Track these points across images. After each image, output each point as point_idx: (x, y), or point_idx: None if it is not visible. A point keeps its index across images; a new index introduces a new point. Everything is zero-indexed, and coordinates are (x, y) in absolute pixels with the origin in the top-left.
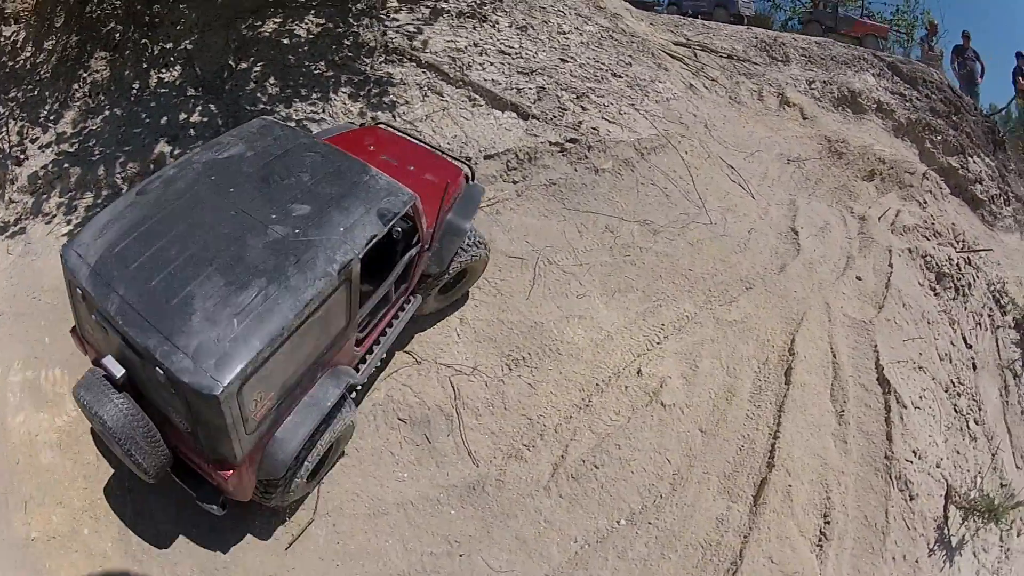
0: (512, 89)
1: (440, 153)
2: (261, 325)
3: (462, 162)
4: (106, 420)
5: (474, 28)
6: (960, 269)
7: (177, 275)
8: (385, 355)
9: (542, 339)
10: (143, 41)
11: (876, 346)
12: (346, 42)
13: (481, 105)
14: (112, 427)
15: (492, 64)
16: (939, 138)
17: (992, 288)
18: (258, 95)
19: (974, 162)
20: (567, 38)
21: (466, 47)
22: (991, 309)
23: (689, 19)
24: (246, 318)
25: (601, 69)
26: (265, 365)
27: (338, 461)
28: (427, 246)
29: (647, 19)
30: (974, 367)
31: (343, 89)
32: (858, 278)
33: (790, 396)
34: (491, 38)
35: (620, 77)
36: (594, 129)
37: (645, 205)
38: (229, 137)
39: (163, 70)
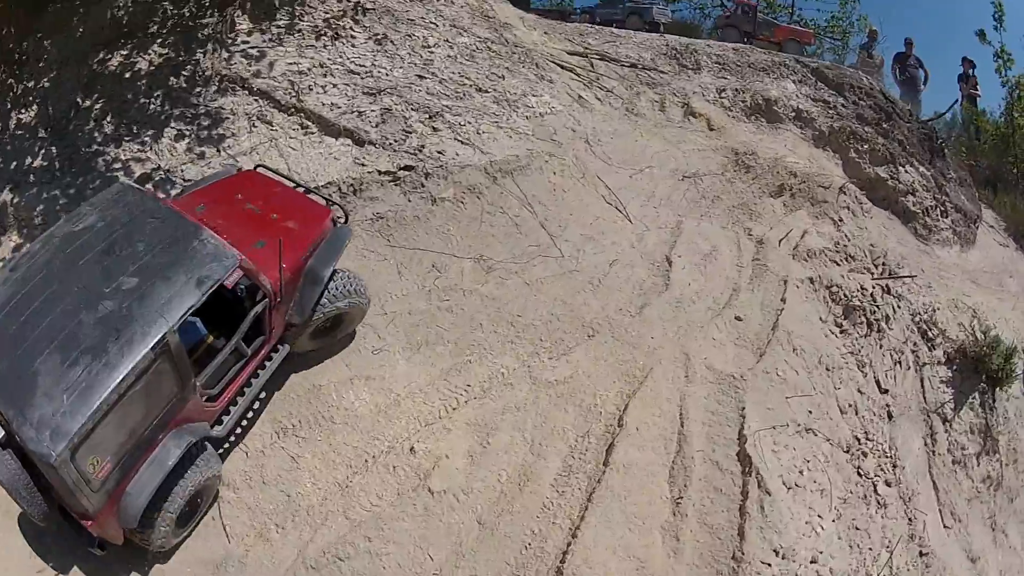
0: (352, 113)
1: (313, 194)
2: (85, 401)
3: (335, 204)
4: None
5: (324, 47)
6: (876, 300)
7: (29, 352)
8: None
9: (318, 404)
10: (9, 80)
11: (744, 409)
12: (184, 73)
13: (313, 133)
14: (3, 479)
15: (335, 86)
16: (865, 147)
17: (918, 319)
18: (95, 135)
19: (906, 172)
20: (432, 52)
21: (310, 69)
22: (915, 344)
23: (598, 27)
24: (73, 393)
25: (465, 84)
26: (93, 435)
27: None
28: (278, 299)
29: (544, 28)
30: (889, 416)
31: (173, 125)
32: (738, 318)
33: (607, 480)
34: (341, 56)
35: (486, 92)
36: (439, 152)
37: (486, 238)
38: (86, 207)
39: (22, 110)
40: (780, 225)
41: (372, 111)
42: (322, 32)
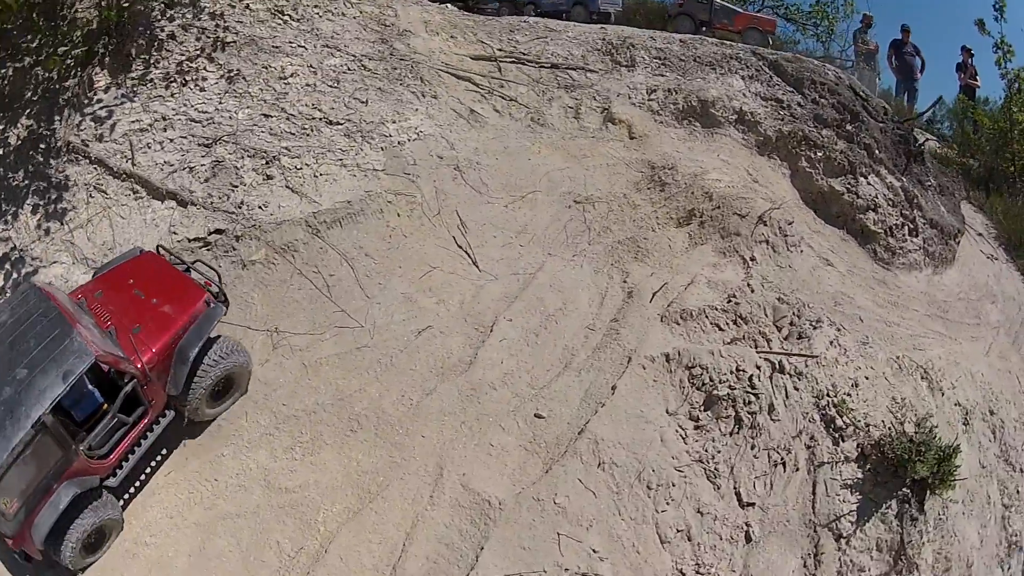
0: (184, 169)
1: (196, 272)
2: None
3: (214, 284)
4: None
5: (172, 95)
6: (755, 384)
7: None
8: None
9: None
10: None
11: (482, 548)
12: (42, 144)
13: (142, 198)
14: None
15: (172, 141)
16: (820, 154)
17: (824, 402)
18: None
19: (868, 183)
20: (287, 83)
21: (152, 124)
22: (812, 438)
23: (535, 22)
24: None
25: (314, 119)
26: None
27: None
28: (147, 377)
29: (457, 31)
30: (748, 538)
31: (30, 200)
32: (538, 415)
33: None
34: (186, 105)
35: (338, 124)
36: (261, 207)
37: (289, 305)
38: (3, 304)
39: None
40: (667, 269)
41: (203, 165)
42: (173, 79)
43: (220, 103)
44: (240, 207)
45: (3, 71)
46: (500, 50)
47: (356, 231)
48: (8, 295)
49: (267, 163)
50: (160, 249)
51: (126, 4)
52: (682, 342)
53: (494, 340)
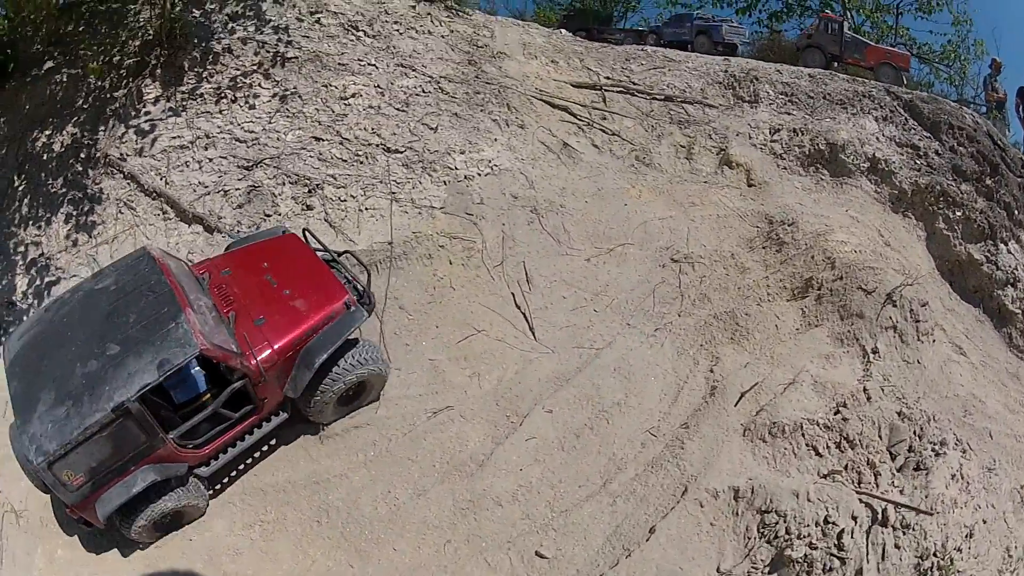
0: (218, 192)
1: (338, 271)
2: (60, 434)
3: (361, 286)
4: (15, 452)
5: (221, 111)
6: (843, 543)
7: (38, 383)
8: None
9: None
10: None
11: None
12: (82, 154)
13: (171, 219)
14: (17, 457)
15: (211, 161)
16: (959, 214)
17: (925, 566)
18: (15, 216)
19: (1008, 252)
20: (348, 104)
21: (193, 141)
22: None
23: (653, 51)
24: (55, 426)
25: (371, 144)
26: (66, 457)
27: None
28: (261, 378)
29: (560, 56)
30: None
31: (64, 209)
32: (539, 555)
33: None
34: (231, 123)
35: (397, 152)
36: None
37: None
38: (109, 268)
39: None
40: (767, 358)
41: (238, 189)
42: (223, 94)
43: (269, 123)
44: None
45: (59, 76)
46: (608, 78)
47: (394, 278)
48: (115, 259)
49: (309, 191)
50: (306, 233)
51: (177, 16)
52: (763, 470)
53: (520, 436)
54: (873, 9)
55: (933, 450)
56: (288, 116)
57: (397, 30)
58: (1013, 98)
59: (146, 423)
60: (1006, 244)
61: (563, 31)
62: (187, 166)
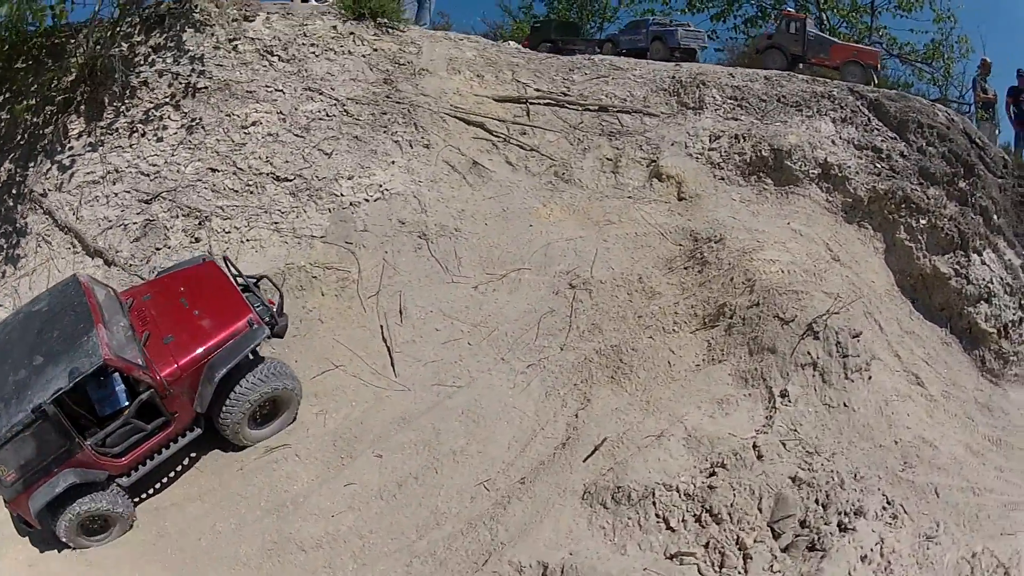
0: (119, 226)
1: (252, 294)
2: None
3: (256, 308)
4: None
5: (132, 145)
6: None
7: None
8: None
9: None
10: None
11: None
12: (14, 190)
13: (79, 252)
14: None
15: (117, 195)
16: (924, 222)
17: None
18: None
19: (982, 262)
20: (247, 132)
21: (104, 176)
22: None
23: (598, 60)
24: None
25: (262, 173)
26: None
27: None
28: (167, 390)
29: (484, 70)
30: None
31: None
32: None
33: None
34: (139, 156)
35: (287, 180)
36: None
37: None
38: (45, 292)
39: None
40: (643, 403)
41: (135, 223)
42: (136, 128)
43: (172, 155)
44: (153, 274)
45: (2, 113)
46: (538, 90)
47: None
48: (49, 287)
49: (199, 223)
50: (225, 260)
51: (99, 52)
52: (595, 543)
53: (341, 481)
54: (850, 10)
55: (839, 523)
56: (190, 148)
57: (313, 52)
58: (1003, 98)
59: (62, 427)
60: (980, 254)
61: (511, 43)
62: (96, 200)
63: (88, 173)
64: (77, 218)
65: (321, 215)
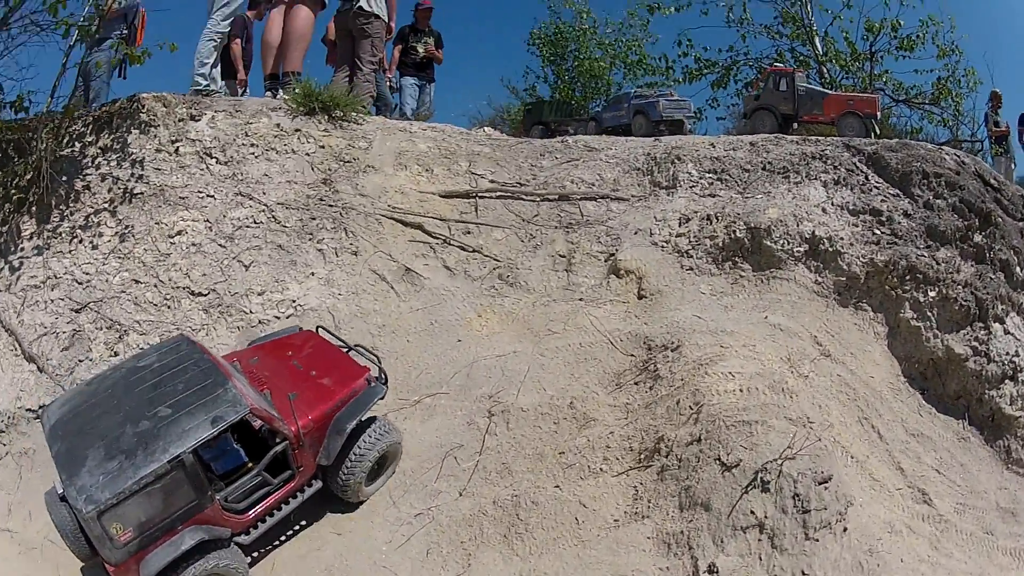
0: (52, 334)
1: (355, 357)
2: (113, 484)
3: (377, 365)
4: (54, 519)
5: (71, 251)
6: None
7: (86, 442)
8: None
9: None
10: None
11: None
12: None
13: (18, 355)
14: (56, 523)
15: (52, 302)
16: (934, 294)
17: None
18: None
19: (1005, 332)
20: (173, 242)
21: (44, 280)
22: None
23: (571, 142)
24: (107, 477)
25: (179, 287)
26: (116, 508)
27: None
28: (299, 442)
29: (436, 164)
30: None
31: None
32: None
33: None
34: (75, 263)
35: (200, 296)
36: None
37: None
38: (149, 349)
39: None
40: None
41: (65, 332)
42: (75, 234)
43: (104, 264)
44: (74, 385)
45: None
46: (493, 182)
47: None
48: (157, 342)
49: (119, 337)
50: (320, 329)
51: (44, 153)
52: None
53: None
54: (850, 58)
55: None
56: (120, 257)
57: (252, 154)
58: (1015, 127)
59: (198, 478)
60: (1002, 322)
61: (486, 130)
62: (36, 305)
63: (32, 276)
64: (19, 321)
65: (230, 333)
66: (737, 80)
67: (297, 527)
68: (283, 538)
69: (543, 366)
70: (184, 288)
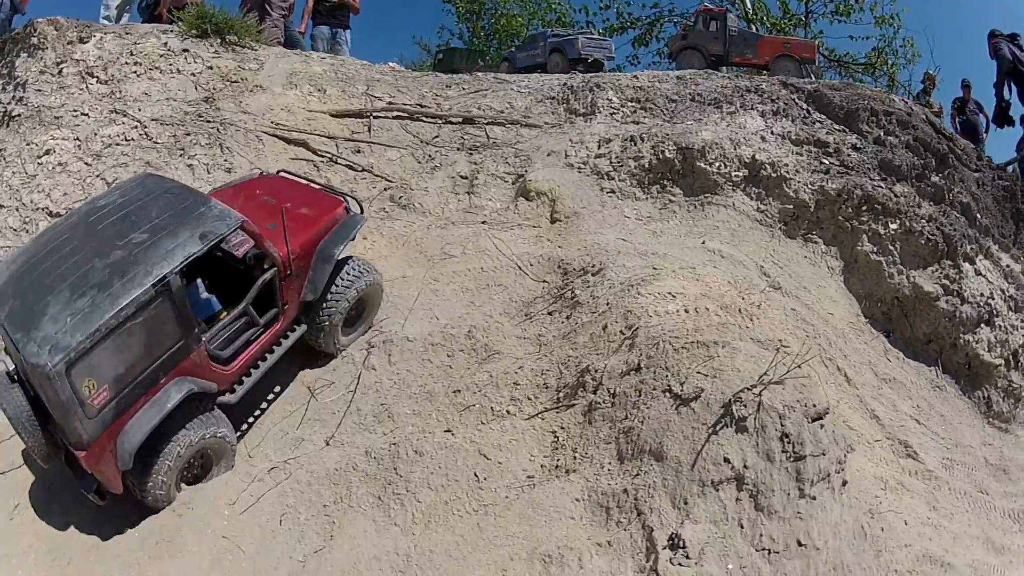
0: None
1: (325, 191)
2: (86, 322)
3: (351, 197)
4: (5, 408)
5: None
6: None
7: (42, 291)
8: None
9: None
10: None
11: None
12: None
13: None
14: (9, 413)
15: None
16: (895, 226)
17: None
18: None
19: (976, 273)
20: (40, 163)
21: None
22: None
23: (481, 77)
24: (76, 317)
25: (38, 209)
26: (89, 355)
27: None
28: (288, 271)
29: (330, 85)
30: None
31: None
32: None
33: None
34: None
35: (58, 216)
36: None
37: None
38: (112, 189)
39: None
40: (423, 561)
41: None
42: None
43: None
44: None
45: None
46: (391, 103)
47: None
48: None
49: None
50: (282, 172)
51: None
52: None
53: None
54: (780, 18)
55: None
56: None
57: (135, 72)
58: (948, 109)
59: (185, 309)
60: (972, 262)
61: (392, 64)
62: None
63: None
64: None
65: None
66: (660, 38)
67: None
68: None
69: (436, 292)
70: (43, 209)
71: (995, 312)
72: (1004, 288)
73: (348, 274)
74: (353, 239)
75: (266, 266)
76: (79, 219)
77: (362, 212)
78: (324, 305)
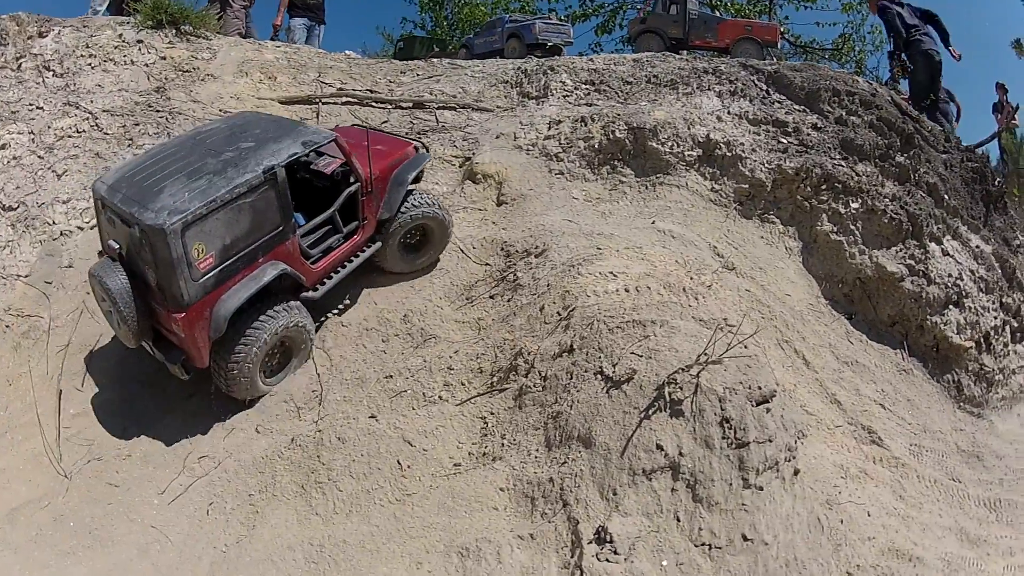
0: None
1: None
2: (202, 196)
3: (420, 143)
4: (108, 284)
5: None
6: None
7: (158, 179)
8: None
9: None
10: None
11: None
12: None
13: None
14: (111, 288)
15: None
16: (857, 205)
17: None
18: None
19: (944, 253)
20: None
21: None
22: None
23: (437, 63)
24: (194, 192)
25: None
26: (202, 222)
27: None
28: (369, 188)
29: (280, 73)
30: None
31: None
32: None
33: None
34: None
35: (12, 210)
36: None
37: None
38: (212, 120)
39: None
40: (338, 550)
41: None
42: None
43: None
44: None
45: None
46: (342, 90)
47: None
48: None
49: None
50: (356, 125)
51: None
52: None
53: None
54: (744, 3)
55: None
56: None
57: (90, 64)
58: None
59: (286, 199)
60: (939, 242)
61: (348, 52)
62: None
63: None
64: None
65: (33, 248)
66: (623, 26)
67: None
68: None
69: (376, 278)
70: None
71: (964, 293)
72: (974, 269)
73: (413, 199)
74: (422, 170)
75: (352, 180)
76: (186, 137)
77: (427, 151)
78: (393, 224)
